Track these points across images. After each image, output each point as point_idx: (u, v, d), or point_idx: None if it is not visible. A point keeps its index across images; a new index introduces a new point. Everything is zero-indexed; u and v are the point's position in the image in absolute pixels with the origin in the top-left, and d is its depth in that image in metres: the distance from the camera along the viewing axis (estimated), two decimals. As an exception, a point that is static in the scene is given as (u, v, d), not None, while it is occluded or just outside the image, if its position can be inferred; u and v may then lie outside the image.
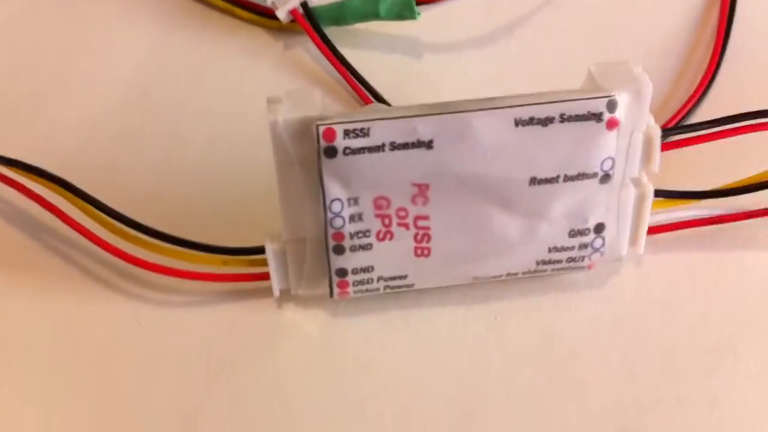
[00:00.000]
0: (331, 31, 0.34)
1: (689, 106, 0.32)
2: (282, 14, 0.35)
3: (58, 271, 0.29)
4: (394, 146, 0.24)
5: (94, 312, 0.28)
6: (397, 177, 0.25)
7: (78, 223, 0.28)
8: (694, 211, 0.28)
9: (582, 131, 0.25)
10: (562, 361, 0.27)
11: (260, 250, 0.26)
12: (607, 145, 0.25)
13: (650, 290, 0.28)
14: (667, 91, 0.34)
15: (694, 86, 0.33)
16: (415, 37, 0.36)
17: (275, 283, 0.27)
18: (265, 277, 0.27)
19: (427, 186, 0.25)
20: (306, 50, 0.35)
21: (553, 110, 0.24)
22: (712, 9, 0.36)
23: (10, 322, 0.28)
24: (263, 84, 0.35)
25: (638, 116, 0.25)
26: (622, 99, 0.25)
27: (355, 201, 0.25)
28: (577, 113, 0.25)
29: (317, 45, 0.34)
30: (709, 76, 0.33)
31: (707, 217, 0.28)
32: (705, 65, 0.34)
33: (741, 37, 0.35)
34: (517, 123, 0.25)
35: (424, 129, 0.24)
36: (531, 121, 0.25)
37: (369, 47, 0.36)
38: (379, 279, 0.26)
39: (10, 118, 0.34)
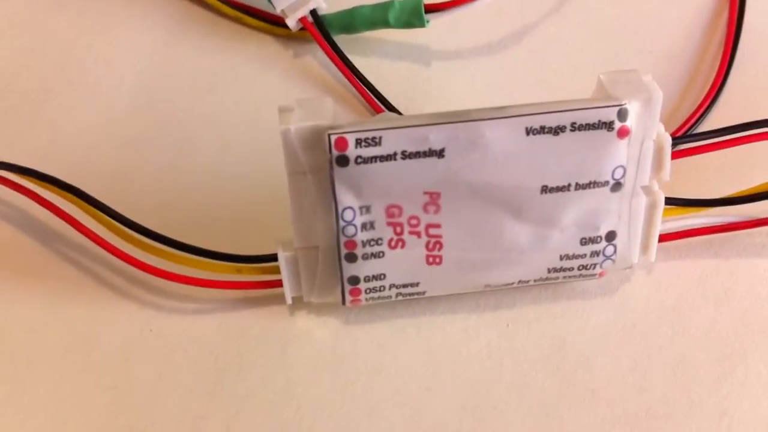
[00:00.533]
0: (340, 39, 0.35)
1: (699, 114, 0.32)
2: (292, 22, 0.35)
3: (71, 278, 0.29)
4: (406, 155, 0.24)
5: (107, 319, 0.28)
6: (409, 185, 0.25)
7: (91, 231, 0.28)
8: (705, 219, 0.28)
9: (593, 140, 0.25)
10: (573, 368, 0.27)
11: (273, 258, 0.27)
12: (618, 154, 0.25)
13: (661, 298, 0.28)
14: (676, 99, 0.34)
15: (704, 94, 0.33)
16: (424, 44, 0.36)
17: (288, 291, 0.27)
18: (278, 284, 0.27)
19: (438, 194, 0.25)
20: (315, 58, 0.36)
21: (564, 119, 0.25)
22: (720, 17, 0.36)
23: (23, 328, 0.28)
24: (273, 92, 0.35)
25: (649, 125, 0.25)
26: (633, 108, 0.25)
27: (367, 209, 0.25)
28: (588, 122, 0.25)
29: (327, 53, 0.34)
30: (718, 84, 0.33)
31: (718, 224, 0.28)
32: (714, 73, 0.34)
33: (749, 45, 0.35)
34: (529, 132, 0.25)
35: (435, 138, 0.24)
36: (542, 130, 0.25)
37: (378, 55, 0.36)
38: (391, 286, 0.26)
39: (15, 125, 0.34)
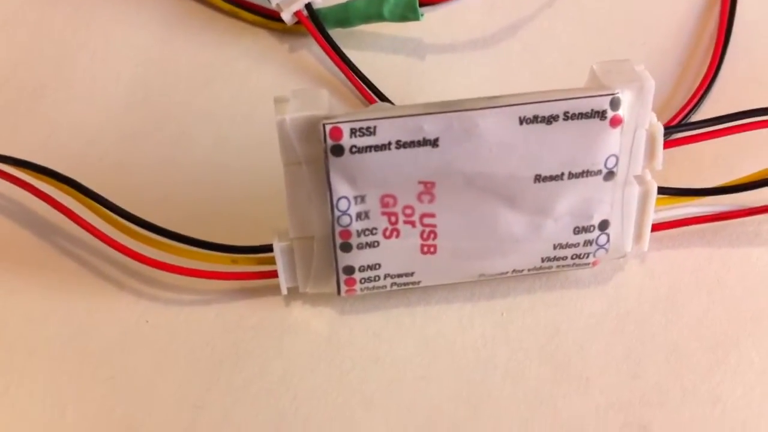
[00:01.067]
0: (335, 33, 0.35)
1: (692, 104, 0.32)
2: (287, 16, 0.35)
3: (69, 270, 0.29)
4: (401, 144, 0.25)
5: (104, 310, 0.28)
6: (404, 175, 0.25)
7: (88, 223, 0.28)
8: (698, 208, 0.28)
9: (586, 129, 0.25)
10: (568, 356, 0.27)
11: (268, 248, 0.27)
12: (611, 143, 0.25)
13: (654, 286, 0.28)
14: (669, 89, 0.34)
15: (696, 84, 0.33)
16: (418, 38, 0.36)
17: (283, 281, 0.27)
18: (274, 275, 0.27)
19: (433, 184, 0.25)
20: (311, 52, 0.36)
21: (557, 108, 0.25)
22: (713, 8, 0.36)
23: (21, 320, 0.28)
24: (268, 86, 0.35)
25: (641, 114, 0.26)
26: (625, 97, 0.25)
27: (361, 199, 0.25)
28: (580, 111, 0.25)
29: (322, 47, 0.34)
30: (711, 75, 0.33)
31: (711, 214, 0.28)
32: (707, 64, 0.34)
33: (742, 35, 0.35)
34: (522, 121, 0.25)
35: (429, 127, 0.25)
36: (535, 119, 0.25)
37: (373, 48, 0.36)
38: (386, 276, 0.27)
39: (14, 119, 0.34)
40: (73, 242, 0.30)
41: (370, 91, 0.34)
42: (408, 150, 0.25)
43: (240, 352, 0.27)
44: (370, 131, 0.24)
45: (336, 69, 0.34)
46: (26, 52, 0.36)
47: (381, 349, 0.27)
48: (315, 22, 0.35)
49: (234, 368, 0.27)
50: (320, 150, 0.25)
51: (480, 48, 0.36)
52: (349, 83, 0.34)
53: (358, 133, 0.24)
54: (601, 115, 0.25)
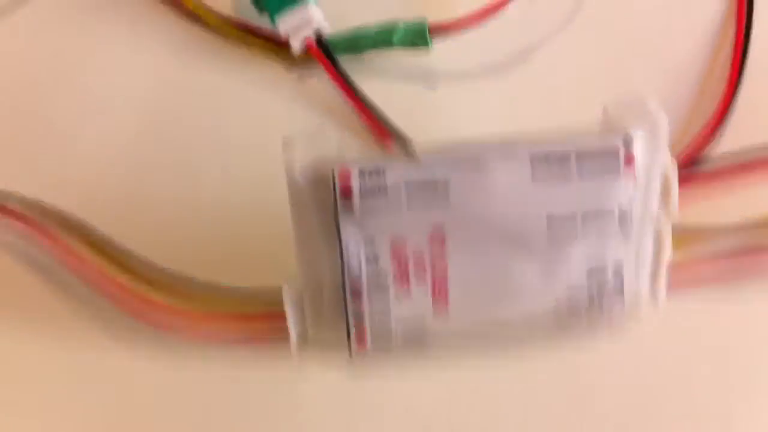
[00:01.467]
0: (344, 60, 0.34)
1: (708, 138, 0.32)
2: (296, 44, 0.34)
3: (71, 318, 0.29)
4: (410, 189, 0.24)
5: (105, 362, 0.28)
6: (414, 220, 0.25)
7: (95, 269, 0.28)
8: (715, 248, 0.28)
9: (598, 170, 0.25)
10: (581, 407, 0.27)
11: (277, 292, 0.26)
12: (625, 184, 0.25)
13: (670, 327, 0.28)
14: (684, 121, 0.33)
15: (711, 114, 0.33)
16: (429, 66, 0.36)
17: (293, 329, 0.27)
18: (283, 321, 0.27)
19: (443, 228, 0.25)
20: (320, 80, 0.35)
21: (569, 149, 0.24)
22: (726, 36, 0.36)
23: (24, 369, 0.28)
24: (277, 116, 0.34)
25: (655, 154, 0.25)
26: (638, 137, 0.25)
27: (371, 243, 0.25)
28: (593, 152, 0.24)
29: (331, 75, 0.34)
30: (727, 104, 0.33)
31: (729, 253, 0.28)
32: (721, 92, 0.33)
33: (757, 63, 0.34)
34: (533, 163, 0.24)
35: (439, 171, 0.24)
36: (547, 161, 0.24)
37: (383, 76, 0.35)
38: (397, 321, 0.26)
39: (19, 153, 0.34)
40: (78, 289, 0.29)
41: (381, 121, 0.33)
42: (418, 195, 0.24)
43: (250, 405, 0.27)
44: (380, 176, 0.24)
45: (346, 98, 0.34)
46: (30, 83, 0.36)
47: (393, 400, 0.27)
48: (324, 51, 0.34)
49: (245, 419, 0.27)
50: (329, 194, 0.24)
51: (491, 77, 0.35)
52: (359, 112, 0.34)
53: (367, 178, 0.24)
54: (613, 155, 0.24)
